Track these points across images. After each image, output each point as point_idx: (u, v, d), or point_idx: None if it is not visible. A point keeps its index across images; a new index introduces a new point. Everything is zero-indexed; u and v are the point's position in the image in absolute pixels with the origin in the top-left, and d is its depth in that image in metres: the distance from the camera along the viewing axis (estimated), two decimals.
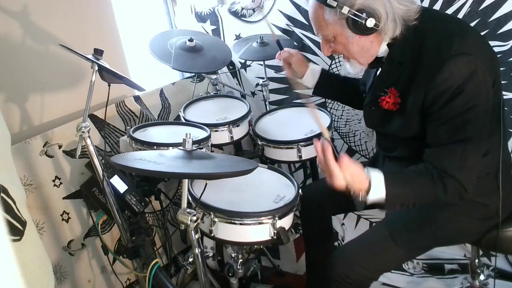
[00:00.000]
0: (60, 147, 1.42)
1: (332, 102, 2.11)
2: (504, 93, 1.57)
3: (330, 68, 2.04)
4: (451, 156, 1.01)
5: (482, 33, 1.55)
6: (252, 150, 2.14)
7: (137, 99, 1.78)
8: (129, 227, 1.44)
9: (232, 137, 1.69)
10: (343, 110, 2.11)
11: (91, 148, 1.22)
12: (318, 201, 1.47)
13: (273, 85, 2.16)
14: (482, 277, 1.41)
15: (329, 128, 1.65)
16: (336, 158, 1.00)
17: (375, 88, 1.18)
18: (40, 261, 0.73)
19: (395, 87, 1.10)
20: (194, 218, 1.00)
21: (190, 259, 1.38)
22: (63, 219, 1.45)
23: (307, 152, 1.62)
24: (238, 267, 1.40)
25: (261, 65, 2.04)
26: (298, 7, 1.98)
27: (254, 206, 1.17)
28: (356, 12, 0.99)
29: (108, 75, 1.22)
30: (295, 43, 2.03)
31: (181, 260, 1.48)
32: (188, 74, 2.17)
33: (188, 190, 1.14)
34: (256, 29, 2.11)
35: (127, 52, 1.77)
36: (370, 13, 0.99)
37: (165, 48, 1.65)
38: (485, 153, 1.05)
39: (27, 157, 1.33)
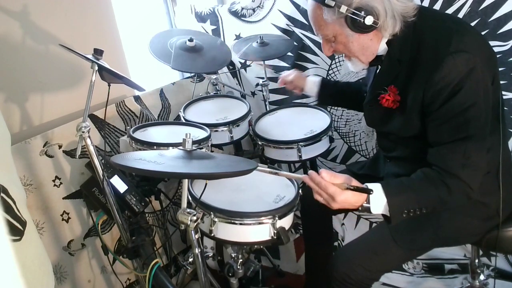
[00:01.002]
0: (60, 147, 1.42)
1: None
2: (504, 93, 1.57)
3: (330, 68, 2.04)
4: (454, 155, 1.01)
5: (482, 33, 1.55)
6: (252, 150, 2.14)
7: (137, 99, 1.78)
8: (129, 227, 1.44)
9: (232, 137, 1.69)
10: (343, 110, 2.11)
11: (91, 148, 1.22)
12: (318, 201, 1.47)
13: (273, 85, 2.16)
14: (482, 277, 1.41)
15: (329, 127, 1.66)
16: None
17: (375, 86, 1.19)
18: (40, 261, 0.73)
19: (395, 85, 1.10)
20: (194, 218, 1.00)
21: (190, 259, 1.38)
22: (63, 219, 1.45)
23: (307, 152, 1.62)
24: (238, 267, 1.39)
25: (261, 65, 2.04)
26: (298, 7, 1.98)
27: (254, 206, 1.17)
28: (354, 11, 1.00)
29: (108, 75, 1.22)
30: (295, 43, 2.03)
31: (181, 260, 1.48)
32: (188, 74, 2.17)
33: (188, 190, 1.14)
34: (256, 29, 2.11)
35: (127, 52, 1.77)
36: (368, 11, 1.00)
37: (165, 48, 1.65)
38: (487, 151, 1.04)
39: (27, 157, 1.33)
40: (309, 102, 2.11)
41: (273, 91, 2.20)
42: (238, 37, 2.21)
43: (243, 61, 2.26)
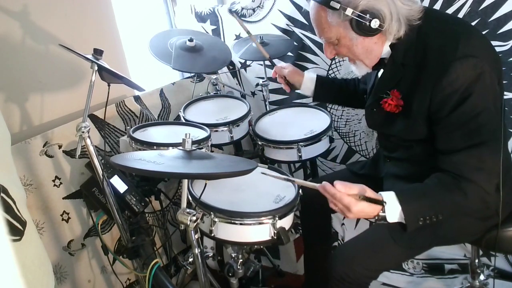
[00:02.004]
0: (60, 147, 1.42)
1: None
2: (504, 93, 1.57)
3: (330, 68, 2.04)
4: (469, 161, 0.99)
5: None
6: (252, 150, 2.15)
7: (137, 99, 1.78)
8: (129, 227, 1.44)
9: (232, 137, 1.69)
10: (343, 110, 2.11)
11: (91, 148, 1.22)
12: (318, 201, 1.46)
13: (273, 85, 2.16)
14: (482, 277, 1.41)
15: (329, 127, 1.66)
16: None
17: (376, 89, 1.18)
18: (40, 261, 0.73)
19: (398, 89, 1.09)
20: (194, 218, 1.00)
21: (190, 259, 1.38)
22: (63, 219, 1.45)
23: (307, 152, 1.62)
24: (238, 267, 1.40)
25: (261, 65, 2.05)
26: (298, 7, 1.98)
27: (254, 206, 1.17)
28: (360, 14, 0.98)
29: (108, 75, 1.22)
30: (295, 43, 2.03)
31: (181, 260, 1.48)
32: (188, 74, 2.17)
33: (188, 190, 1.14)
34: (256, 29, 2.11)
35: (127, 52, 1.77)
36: (374, 14, 0.98)
37: (165, 48, 1.65)
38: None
39: (27, 157, 1.33)
40: (309, 102, 2.11)
41: (273, 91, 2.20)
42: (238, 37, 2.21)
43: (243, 61, 2.26)
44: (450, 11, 1.61)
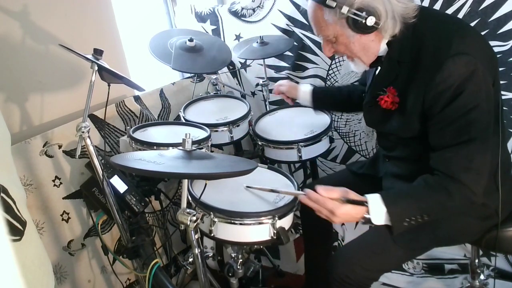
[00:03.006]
0: (60, 147, 1.42)
1: None
2: (504, 93, 1.57)
3: (330, 68, 2.04)
4: (457, 158, 1.00)
5: (482, 33, 1.55)
6: (252, 150, 2.14)
7: (137, 99, 1.78)
8: (129, 227, 1.44)
9: (232, 137, 1.69)
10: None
11: (91, 148, 1.22)
12: None
13: (273, 85, 2.16)
14: (482, 277, 1.41)
15: (329, 127, 1.66)
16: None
17: (374, 87, 1.19)
18: (40, 261, 0.73)
19: (394, 86, 1.10)
20: (194, 218, 1.00)
21: (190, 259, 1.38)
22: (63, 219, 1.45)
23: (307, 152, 1.62)
24: (238, 267, 1.40)
25: (261, 65, 2.05)
26: (298, 7, 1.98)
27: (254, 206, 1.17)
28: (356, 11, 0.99)
29: (108, 75, 1.22)
30: (295, 43, 2.03)
31: (181, 260, 1.48)
32: (188, 74, 2.17)
33: (188, 190, 1.14)
34: (256, 29, 2.11)
35: (127, 52, 1.77)
36: (370, 12, 0.99)
37: (165, 48, 1.65)
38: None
39: (27, 157, 1.33)
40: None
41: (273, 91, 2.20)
42: (238, 37, 2.21)
43: (243, 61, 2.26)
44: (450, 11, 1.61)
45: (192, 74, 2.13)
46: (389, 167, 1.29)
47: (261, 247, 1.76)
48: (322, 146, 1.66)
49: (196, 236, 1.06)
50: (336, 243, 2.02)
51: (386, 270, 1.26)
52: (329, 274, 1.21)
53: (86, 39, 1.56)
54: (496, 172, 1.10)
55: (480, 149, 0.99)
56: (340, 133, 2.15)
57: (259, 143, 1.68)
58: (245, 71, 2.30)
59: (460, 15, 1.60)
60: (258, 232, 1.13)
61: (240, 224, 1.12)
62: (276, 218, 1.11)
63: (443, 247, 1.70)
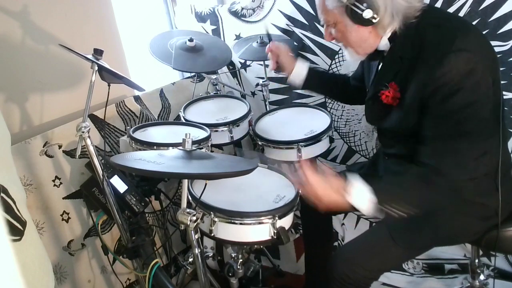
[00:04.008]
0: (60, 147, 1.42)
1: (332, 102, 2.11)
2: (504, 93, 1.57)
3: (331, 68, 2.04)
4: (445, 152, 1.01)
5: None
6: (252, 150, 2.14)
7: (137, 99, 1.78)
8: (129, 227, 1.44)
9: (232, 137, 1.68)
10: (343, 110, 2.11)
11: (91, 148, 1.22)
12: None
13: (273, 85, 2.16)
14: (482, 277, 1.41)
15: (329, 127, 1.66)
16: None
17: (376, 82, 1.19)
18: (40, 261, 0.73)
19: (396, 82, 1.10)
20: (194, 218, 1.00)
21: (190, 259, 1.38)
22: (63, 219, 1.45)
23: (307, 152, 1.62)
24: (238, 267, 1.40)
25: (261, 65, 2.04)
26: (298, 7, 1.98)
27: (254, 206, 1.17)
28: (356, 2, 1.01)
29: (108, 75, 1.22)
30: (295, 43, 2.03)
31: (181, 260, 1.48)
32: (188, 74, 2.17)
33: (188, 190, 1.14)
34: (256, 29, 2.11)
35: (127, 52, 1.77)
36: (369, 5, 1.01)
37: (165, 48, 1.65)
38: (483, 154, 1.04)
39: (27, 157, 1.33)
40: (309, 102, 2.11)
41: (273, 91, 2.20)
42: (238, 37, 2.21)
43: (243, 61, 2.26)
44: (450, 11, 1.60)
45: (192, 74, 2.13)
46: (388, 164, 1.29)
47: (261, 247, 1.76)
48: (322, 146, 1.66)
49: (196, 236, 1.06)
50: (336, 243, 2.02)
51: (386, 269, 1.27)
52: (329, 274, 1.22)
53: (86, 39, 1.56)
54: (496, 172, 1.10)
55: (470, 145, 1.00)
56: (340, 133, 2.15)
57: (259, 143, 1.68)
58: (245, 71, 2.30)
59: (460, 15, 1.59)
60: (258, 232, 1.13)
61: (240, 224, 1.12)
62: (276, 218, 1.11)
63: (443, 247, 1.71)
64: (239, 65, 2.30)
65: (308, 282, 1.68)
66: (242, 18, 2.17)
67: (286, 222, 1.17)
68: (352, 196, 1.02)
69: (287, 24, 2.04)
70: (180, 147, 1.03)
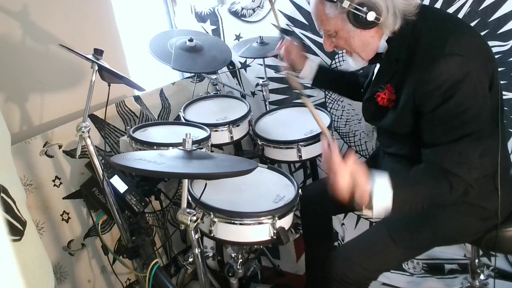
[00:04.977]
0: (60, 147, 1.42)
1: (332, 102, 2.11)
2: (504, 93, 1.57)
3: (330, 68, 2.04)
4: (450, 155, 1.00)
5: (482, 33, 1.55)
6: (252, 150, 2.14)
7: (137, 99, 1.78)
8: (129, 227, 1.44)
9: (232, 137, 1.69)
10: (343, 110, 2.11)
11: (91, 148, 1.22)
12: (318, 201, 1.47)
13: (273, 85, 2.16)
14: (482, 277, 1.41)
15: (329, 127, 1.66)
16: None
17: (373, 84, 1.19)
18: (40, 261, 0.73)
19: (391, 84, 1.10)
20: (194, 218, 1.00)
21: (190, 259, 1.38)
22: (63, 219, 1.45)
23: (307, 152, 1.62)
24: (238, 267, 1.40)
25: (261, 65, 2.05)
26: (298, 7, 1.98)
27: (254, 206, 1.17)
28: (357, 6, 1.00)
29: (108, 75, 1.22)
30: (295, 43, 2.03)
31: (181, 260, 1.48)
32: (188, 74, 2.17)
33: (188, 190, 1.14)
34: (256, 29, 2.11)
35: (127, 52, 1.77)
36: (371, 7, 1.00)
37: (165, 48, 1.65)
38: (482, 155, 1.04)
39: (27, 157, 1.33)
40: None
41: (273, 91, 2.20)
42: (238, 37, 2.21)
43: (243, 61, 2.26)
44: (450, 11, 1.60)
45: (192, 74, 2.13)
46: (388, 163, 1.29)
47: (261, 247, 1.76)
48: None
49: (196, 236, 1.06)
50: (336, 243, 2.02)
51: (385, 269, 1.26)
52: (328, 273, 1.22)
53: (86, 39, 1.56)
54: (496, 173, 1.10)
55: (472, 147, 1.00)
56: (340, 133, 2.15)
57: (259, 143, 1.68)
58: (245, 71, 2.30)
59: (460, 15, 1.59)
60: (258, 232, 1.13)
61: (240, 224, 1.12)
62: (276, 218, 1.12)
63: (443, 247, 1.71)
64: (239, 65, 2.30)
65: (308, 282, 1.68)
66: (242, 18, 2.17)
67: (286, 222, 1.17)
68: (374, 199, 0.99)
69: (287, 24, 2.04)
70: (180, 147, 1.03)
